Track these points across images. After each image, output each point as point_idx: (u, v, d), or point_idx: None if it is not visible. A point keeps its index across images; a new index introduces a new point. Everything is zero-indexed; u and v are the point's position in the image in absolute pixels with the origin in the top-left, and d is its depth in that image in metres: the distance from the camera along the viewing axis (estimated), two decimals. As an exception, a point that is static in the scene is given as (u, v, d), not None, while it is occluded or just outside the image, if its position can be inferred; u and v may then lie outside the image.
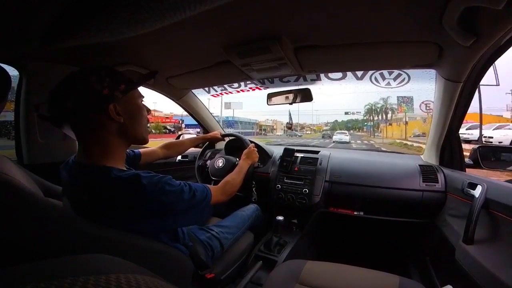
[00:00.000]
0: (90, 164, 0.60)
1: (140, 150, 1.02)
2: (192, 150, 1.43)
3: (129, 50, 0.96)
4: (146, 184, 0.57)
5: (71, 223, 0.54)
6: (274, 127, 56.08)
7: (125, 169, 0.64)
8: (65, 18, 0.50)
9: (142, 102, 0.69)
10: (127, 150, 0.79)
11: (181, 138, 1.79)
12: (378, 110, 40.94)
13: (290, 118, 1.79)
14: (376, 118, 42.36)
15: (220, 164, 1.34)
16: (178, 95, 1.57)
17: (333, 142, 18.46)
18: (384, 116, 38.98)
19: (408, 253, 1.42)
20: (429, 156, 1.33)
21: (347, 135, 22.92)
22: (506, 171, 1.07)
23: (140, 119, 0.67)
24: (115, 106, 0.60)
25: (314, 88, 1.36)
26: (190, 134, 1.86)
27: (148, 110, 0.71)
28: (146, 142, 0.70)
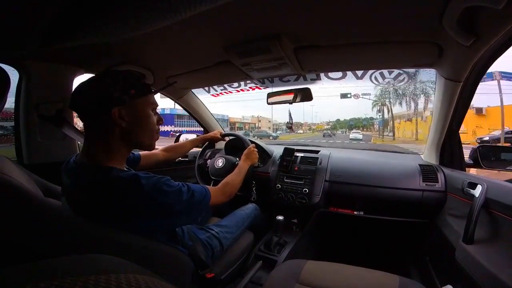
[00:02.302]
0: (90, 163, 0.60)
1: (140, 153, 1.02)
2: (192, 150, 1.43)
3: (129, 50, 0.96)
4: (145, 184, 0.58)
5: (71, 223, 0.55)
6: (258, 125, 41.73)
7: (125, 169, 0.65)
8: (65, 18, 0.50)
9: (155, 110, 0.69)
10: None
11: (180, 138, 1.79)
12: (401, 92, 23.17)
13: (290, 117, 1.78)
14: (395, 106, 24.95)
15: (220, 164, 1.34)
16: (178, 94, 1.57)
17: (350, 139, 23.91)
18: (411, 104, 22.46)
19: (408, 253, 1.42)
20: (429, 156, 1.33)
21: (360, 134, 28.76)
22: (506, 171, 1.07)
23: (145, 126, 0.67)
24: (119, 110, 0.60)
25: (313, 87, 1.36)
26: (190, 134, 1.86)
27: (160, 119, 0.71)
28: (152, 149, 0.71)
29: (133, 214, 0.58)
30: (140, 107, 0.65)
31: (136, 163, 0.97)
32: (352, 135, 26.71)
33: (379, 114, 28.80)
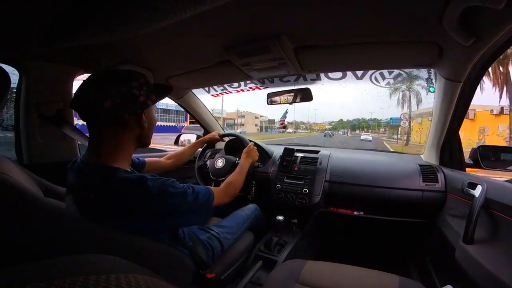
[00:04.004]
0: (97, 163, 0.61)
1: (145, 159, 1.03)
2: None
3: (129, 50, 0.96)
4: (151, 186, 0.58)
5: (71, 223, 0.55)
6: (240, 121, 35.14)
7: (130, 171, 0.66)
8: (65, 18, 0.50)
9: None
10: (132, 156, 0.80)
11: (180, 138, 1.79)
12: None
13: (284, 116, 1.77)
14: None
15: (220, 164, 1.34)
16: (178, 94, 1.57)
17: (361, 140, 26.27)
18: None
19: (408, 253, 1.42)
20: (429, 156, 1.33)
21: (370, 136, 31.61)
22: (506, 171, 1.07)
23: (153, 126, 0.72)
24: (145, 113, 0.64)
25: (313, 87, 1.36)
26: (190, 134, 1.85)
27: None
28: (148, 146, 0.74)
29: (138, 215, 0.59)
30: (151, 110, 0.69)
31: (140, 169, 0.98)
32: (363, 137, 30.45)
33: (408, 101, 16.67)
